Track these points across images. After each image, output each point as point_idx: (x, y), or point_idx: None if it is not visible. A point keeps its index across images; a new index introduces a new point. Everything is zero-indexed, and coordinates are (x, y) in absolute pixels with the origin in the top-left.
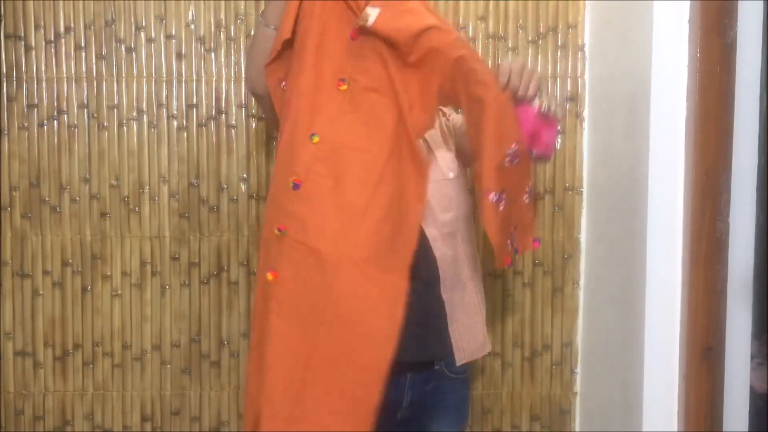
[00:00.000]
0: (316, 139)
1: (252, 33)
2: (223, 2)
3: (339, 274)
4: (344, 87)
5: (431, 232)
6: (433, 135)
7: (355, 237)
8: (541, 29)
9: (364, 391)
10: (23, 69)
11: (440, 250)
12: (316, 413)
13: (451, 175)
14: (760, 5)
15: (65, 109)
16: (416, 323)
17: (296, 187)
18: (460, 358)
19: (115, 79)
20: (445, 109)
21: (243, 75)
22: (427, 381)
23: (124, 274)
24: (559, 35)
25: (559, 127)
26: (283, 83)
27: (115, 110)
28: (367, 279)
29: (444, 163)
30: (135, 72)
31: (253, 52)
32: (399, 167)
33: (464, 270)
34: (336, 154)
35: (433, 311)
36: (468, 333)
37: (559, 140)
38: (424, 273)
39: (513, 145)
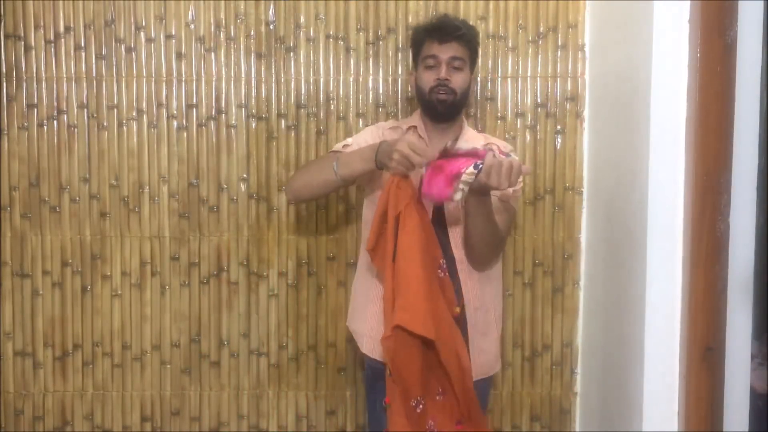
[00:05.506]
0: None
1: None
2: (223, 2)
3: None
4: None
5: (458, 254)
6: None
7: None
8: (541, 29)
9: None
10: (23, 69)
11: (465, 271)
12: None
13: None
14: (760, 5)
15: (65, 109)
16: None
17: None
18: (474, 375)
19: (114, 79)
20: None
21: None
22: None
23: (123, 274)
24: (559, 35)
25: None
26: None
27: (115, 110)
28: None
29: None
30: (135, 72)
31: (312, 180)
32: None
33: (489, 290)
34: None
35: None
36: (483, 353)
37: (558, 142)
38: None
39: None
